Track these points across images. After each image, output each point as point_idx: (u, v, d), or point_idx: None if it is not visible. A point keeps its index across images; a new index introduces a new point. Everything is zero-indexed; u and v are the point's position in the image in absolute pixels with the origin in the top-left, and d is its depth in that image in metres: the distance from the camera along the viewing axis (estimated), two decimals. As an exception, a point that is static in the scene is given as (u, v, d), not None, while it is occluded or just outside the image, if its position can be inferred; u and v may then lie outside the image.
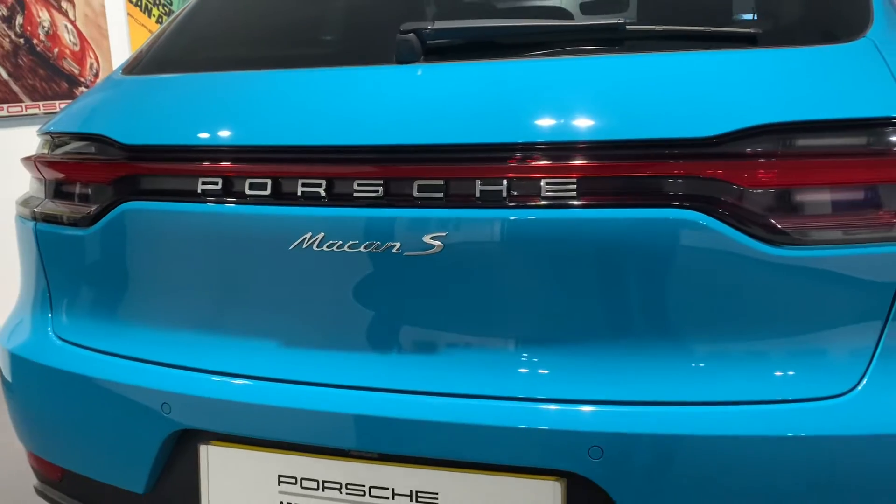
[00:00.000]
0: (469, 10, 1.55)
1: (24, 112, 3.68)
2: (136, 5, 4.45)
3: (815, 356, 1.02)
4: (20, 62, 3.64)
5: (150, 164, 1.25)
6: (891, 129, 1.01)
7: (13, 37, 3.60)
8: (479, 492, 1.08)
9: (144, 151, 1.26)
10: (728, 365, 1.03)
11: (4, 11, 3.54)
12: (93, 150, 1.33)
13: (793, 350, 1.02)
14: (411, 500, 1.11)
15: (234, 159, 1.19)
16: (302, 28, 1.54)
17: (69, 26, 3.92)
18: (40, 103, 3.75)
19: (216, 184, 1.18)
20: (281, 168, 1.14)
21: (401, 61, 1.19)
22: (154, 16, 4.59)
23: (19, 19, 3.63)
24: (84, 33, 4.03)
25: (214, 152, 1.21)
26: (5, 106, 3.56)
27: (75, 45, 3.97)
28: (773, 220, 0.99)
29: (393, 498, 1.12)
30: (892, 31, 1.18)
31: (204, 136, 1.23)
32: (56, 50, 3.85)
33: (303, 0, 1.60)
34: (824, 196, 1.01)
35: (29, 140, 3.65)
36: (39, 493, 1.49)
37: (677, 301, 1.03)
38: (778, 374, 1.02)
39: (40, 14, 3.75)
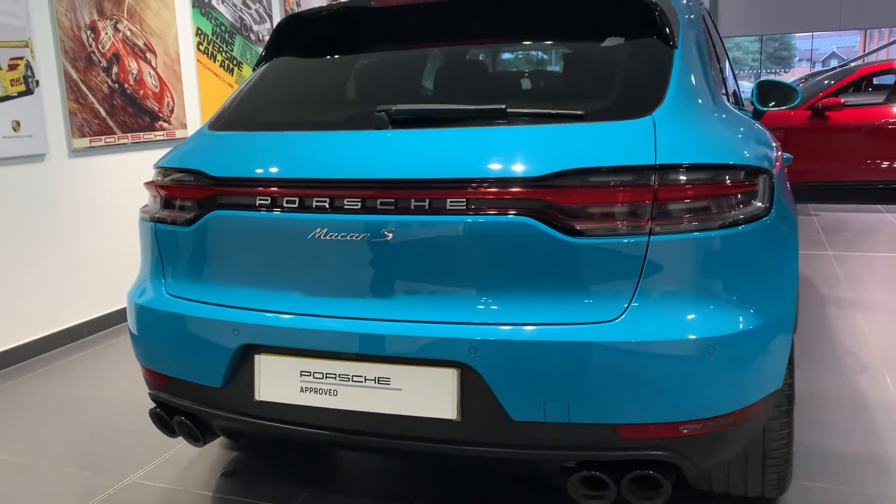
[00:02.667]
0: (428, 95, 2.36)
1: (117, 142, 4.60)
2: (203, 53, 5.38)
3: (597, 298, 1.79)
4: (115, 102, 4.57)
5: (228, 188, 2.08)
6: (641, 172, 1.78)
7: (110, 82, 4.53)
8: (413, 376, 1.87)
9: (225, 180, 2.09)
10: (549, 303, 1.81)
11: (105, 63, 4.48)
12: (192, 178, 2.17)
13: (584, 294, 1.80)
14: (376, 383, 1.91)
15: (277, 186, 2.00)
16: (319, 104, 2.38)
17: (152, 72, 4.85)
18: (128, 135, 4.68)
19: (267, 200, 2.00)
20: (303, 191, 1.95)
21: (377, 128, 2.01)
22: (218, 60, 5.51)
23: (115, 69, 4.56)
24: (163, 77, 4.96)
25: (266, 182, 2.03)
26: (103, 137, 4.48)
27: (156, 87, 4.90)
28: (571, 223, 1.78)
29: (365, 382, 1.92)
30: (672, 111, 1.95)
31: (260, 171, 2.06)
32: (141, 92, 4.78)
33: (319, 86, 2.44)
34: (602, 209, 1.79)
35: (119, 164, 4.60)
36: (152, 396, 2.32)
37: (519, 266, 1.82)
38: (575, 307, 1.80)
39: (130, 64, 4.68)
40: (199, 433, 2.25)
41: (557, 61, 2.35)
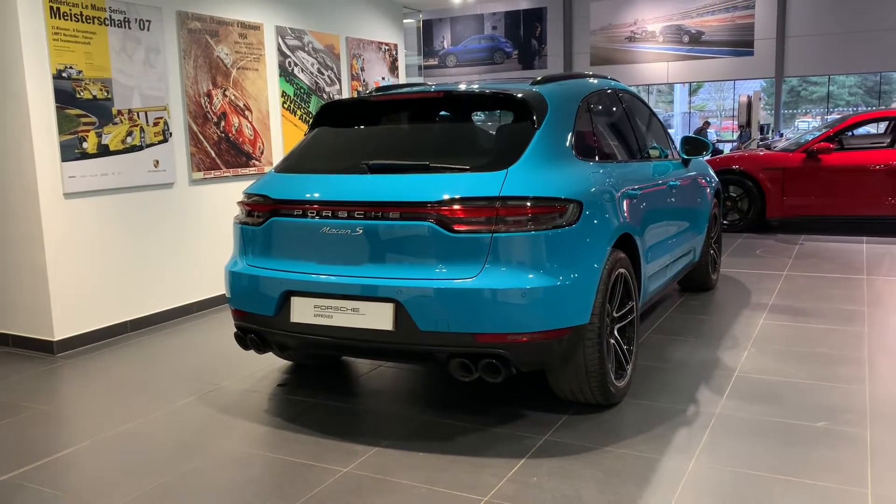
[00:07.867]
0: (392, 153, 4.00)
1: (222, 175, 6.45)
2: (287, 109, 7.20)
3: (465, 266, 3.36)
4: (221, 147, 6.42)
5: (281, 205, 3.77)
6: (491, 199, 3.36)
7: (219, 133, 6.38)
8: (371, 306, 3.49)
9: (279, 201, 3.78)
10: (440, 268, 3.39)
11: (216, 119, 6.34)
12: (262, 199, 3.87)
13: (458, 264, 3.37)
14: (352, 311, 3.53)
15: (306, 203, 3.67)
16: (334, 158, 4.06)
17: (248, 124, 6.70)
18: (230, 170, 6.51)
19: (300, 211, 3.68)
20: (319, 207, 3.61)
21: (360, 174, 3.67)
22: (298, 115, 7.33)
23: (223, 123, 6.42)
24: (256, 128, 6.79)
25: (300, 202, 3.70)
26: (213, 172, 6.33)
27: (251, 135, 6.73)
28: (452, 226, 3.37)
29: (347, 310, 3.54)
30: (521, 167, 3.52)
31: (298, 196, 3.74)
32: (240, 139, 6.62)
33: (336, 147, 4.13)
34: (468, 219, 3.37)
35: (223, 191, 6.49)
36: (236, 325, 4.01)
37: (425, 249, 3.40)
38: (453, 270, 3.38)
39: (233, 119, 6.53)
40: (261, 345, 3.93)
41: (466, 135, 3.98)
